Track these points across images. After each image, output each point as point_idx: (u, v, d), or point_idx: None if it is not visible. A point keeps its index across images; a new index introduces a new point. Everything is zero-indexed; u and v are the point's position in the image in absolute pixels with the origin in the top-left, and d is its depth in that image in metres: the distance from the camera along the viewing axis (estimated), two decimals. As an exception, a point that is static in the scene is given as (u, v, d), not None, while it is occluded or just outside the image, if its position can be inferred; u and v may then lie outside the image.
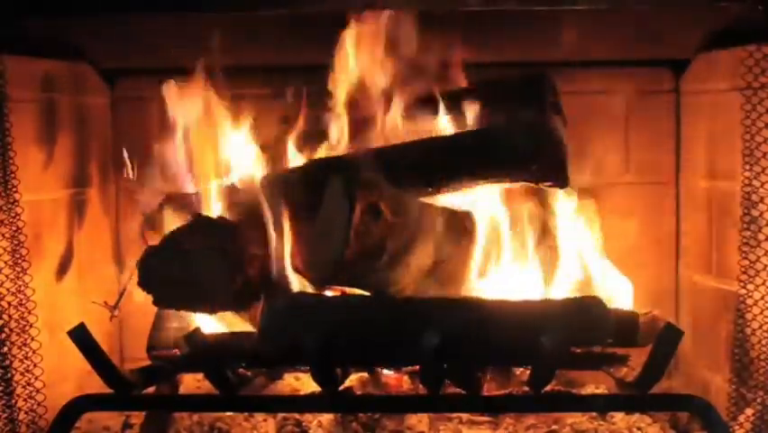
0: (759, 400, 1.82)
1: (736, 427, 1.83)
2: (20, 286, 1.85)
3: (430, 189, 1.97)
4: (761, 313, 1.81)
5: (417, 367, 1.83)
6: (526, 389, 1.83)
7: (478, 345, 1.76)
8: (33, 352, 1.86)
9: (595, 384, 2.15)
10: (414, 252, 1.88)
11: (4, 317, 1.82)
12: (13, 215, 1.84)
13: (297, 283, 1.89)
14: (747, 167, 1.81)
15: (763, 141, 1.79)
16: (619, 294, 2.01)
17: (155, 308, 1.96)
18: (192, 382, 2.08)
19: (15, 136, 1.84)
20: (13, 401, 1.83)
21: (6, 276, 1.82)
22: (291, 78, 2.14)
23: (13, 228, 1.84)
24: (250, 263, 1.84)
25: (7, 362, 1.82)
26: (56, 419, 1.75)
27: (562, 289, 2.03)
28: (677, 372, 2.21)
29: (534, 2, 1.85)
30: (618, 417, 1.98)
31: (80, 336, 1.72)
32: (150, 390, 1.92)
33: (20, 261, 1.85)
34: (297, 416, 1.96)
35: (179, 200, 2.05)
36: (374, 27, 1.99)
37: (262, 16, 1.91)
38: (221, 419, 1.98)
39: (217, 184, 2.04)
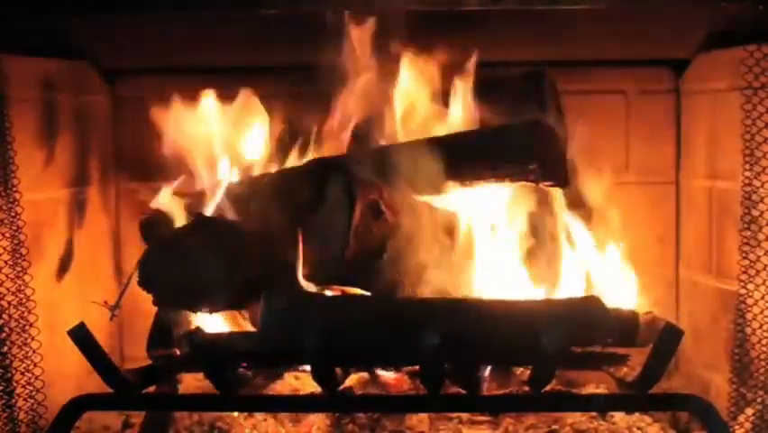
0: (759, 400, 1.81)
1: (736, 427, 1.83)
2: (20, 286, 1.85)
3: (430, 189, 1.97)
4: (761, 313, 1.81)
5: (417, 367, 1.83)
6: (526, 389, 1.83)
7: (478, 345, 1.76)
8: (33, 352, 1.86)
9: (595, 384, 2.15)
10: (414, 252, 1.88)
11: (4, 316, 1.82)
12: (13, 214, 1.84)
13: (297, 283, 1.89)
14: (747, 167, 1.81)
15: (763, 141, 1.79)
16: (621, 293, 2.01)
17: (155, 308, 1.96)
18: (192, 382, 2.08)
19: (15, 136, 1.84)
20: (13, 401, 1.83)
21: (6, 276, 1.82)
22: (292, 77, 2.14)
23: (14, 228, 1.84)
24: (250, 263, 1.83)
25: (7, 362, 1.82)
26: (56, 419, 1.75)
27: (563, 288, 2.03)
28: (677, 372, 2.21)
29: (534, 2, 1.85)
30: (618, 417, 1.98)
31: (80, 335, 1.72)
32: (151, 390, 1.92)
33: (20, 260, 1.85)
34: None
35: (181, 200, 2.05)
36: (374, 27, 1.99)
37: (263, 16, 1.91)
38: (221, 419, 1.98)
39: (218, 183, 2.04)
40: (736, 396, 1.85)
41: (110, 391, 1.77)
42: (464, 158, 1.96)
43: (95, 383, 1.79)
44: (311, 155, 2.07)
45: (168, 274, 1.82)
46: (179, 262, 1.81)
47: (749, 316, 1.83)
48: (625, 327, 1.84)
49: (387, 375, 2.02)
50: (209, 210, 1.98)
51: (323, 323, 1.72)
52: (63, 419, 1.75)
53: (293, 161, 2.09)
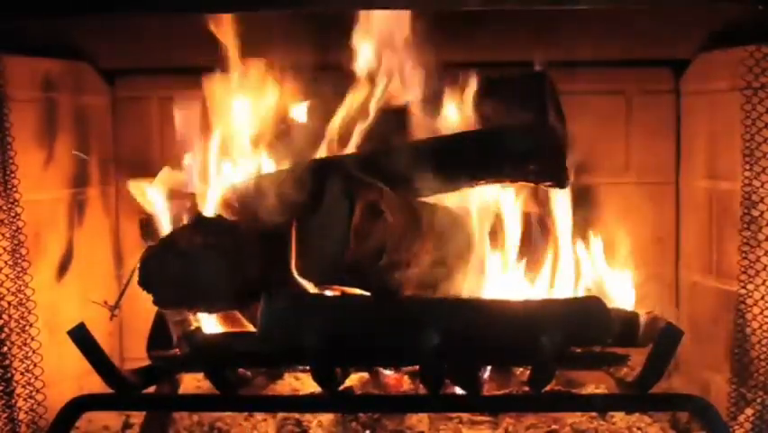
0: (759, 400, 1.82)
1: (736, 427, 1.83)
2: (20, 286, 1.85)
3: (430, 189, 1.97)
4: (761, 313, 1.81)
5: (417, 367, 1.83)
6: (526, 389, 1.83)
7: (478, 345, 1.76)
8: (33, 352, 1.86)
9: (595, 384, 2.15)
10: (414, 252, 1.88)
11: (4, 317, 1.82)
12: (13, 214, 1.84)
13: (297, 283, 1.89)
14: (747, 167, 1.81)
15: (763, 141, 1.79)
16: (620, 294, 2.01)
17: (155, 308, 1.96)
18: (192, 382, 2.08)
19: (15, 136, 1.84)
20: (13, 401, 1.83)
21: (6, 276, 1.82)
22: (292, 77, 2.14)
23: (13, 228, 1.84)
24: (250, 263, 1.84)
25: (7, 362, 1.82)
26: (56, 419, 1.75)
27: (563, 288, 2.03)
28: (677, 372, 2.21)
29: (534, 2, 1.85)
30: (618, 417, 1.98)
31: (80, 336, 1.72)
32: (151, 390, 1.92)
33: (20, 261, 1.85)
34: (297, 416, 1.96)
35: (180, 200, 2.05)
36: (374, 27, 1.99)
37: (262, 16, 1.91)
38: (221, 419, 1.98)
39: (218, 183, 2.04)
40: (736, 396, 1.85)
41: (110, 391, 1.77)
42: (464, 158, 1.96)
43: (95, 383, 1.80)
44: (312, 155, 2.07)
45: (167, 274, 1.82)
46: (179, 263, 1.81)
47: (749, 316, 1.84)
48: (625, 327, 1.84)
49: (387, 375, 2.02)
50: (209, 210, 1.98)
51: (323, 323, 1.72)
52: (63, 420, 1.75)
53: (294, 160, 2.08)
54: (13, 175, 1.83)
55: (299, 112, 2.12)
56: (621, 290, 2.02)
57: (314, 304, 1.80)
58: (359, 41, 1.99)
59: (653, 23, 2.02)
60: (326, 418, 1.94)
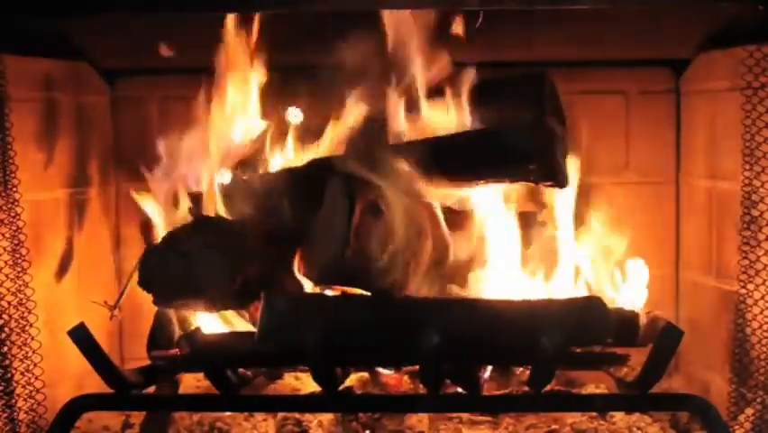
0: (759, 400, 1.82)
1: (736, 427, 1.83)
2: (20, 286, 1.85)
3: (430, 189, 1.97)
4: (761, 313, 1.81)
5: (417, 367, 1.83)
6: (526, 389, 1.83)
7: (478, 345, 1.76)
8: (33, 352, 1.86)
9: (595, 384, 2.15)
10: (414, 251, 1.88)
11: (4, 317, 1.82)
12: (13, 214, 1.84)
13: (297, 283, 1.89)
14: (747, 167, 1.81)
15: (763, 141, 1.79)
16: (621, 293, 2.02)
17: (155, 308, 1.96)
18: (192, 382, 2.08)
19: (15, 136, 1.84)
20: (13, 401, 1.83)
21: (6, 276, 1.82)
22: (291, 77, 2.14)
23: (13, 228, 1.84)
24: (250, 263, 1.84)
25: (7, 362, 1.82)
26: (56, 419, 1.75)
27: (563, 288, 2.03)
28: (677, 372, 2.21)
29: (534, 2, 1.85)
30: (618, 417, 1.98)
31: (80, 336, 1.73)
32: (151, 390, 1.92)
33: (20, 261, 1.85)
34: (297, 416, 1.96)
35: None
36: (374, 26, 1.99)
37: (262, 16, 1.91)
38: (221, 419, 1.98)
39: (218, 183, 2.04)
40: (736, 396, 1.85)
41: (110, 391, 1.77)
42: (464, 158, 1.96)
43: (95, 383, 1.80)
44: (312, 155, 2.07)
45: (167, 274, 1.82)
46: (179, 263, 1.81)
47: (749, 316, 1.84)
48: (625, 327, 1.84)
49: (387, 375, 2.02)
50: (209, 210, 1.98)
51: (323, 323, 1.72)
52: (63, 420, 1.75)
53: (294, 160, 2.09)
54: (13, 175, 1.83)
55: (297, 111, 2.13)
56: (621, 289, 2.03)
57: (314, 304, 1.80)
58: (358, 40, 1.99)
59: (653, 22, 2.02)
60: (326, 418, 1.94)
